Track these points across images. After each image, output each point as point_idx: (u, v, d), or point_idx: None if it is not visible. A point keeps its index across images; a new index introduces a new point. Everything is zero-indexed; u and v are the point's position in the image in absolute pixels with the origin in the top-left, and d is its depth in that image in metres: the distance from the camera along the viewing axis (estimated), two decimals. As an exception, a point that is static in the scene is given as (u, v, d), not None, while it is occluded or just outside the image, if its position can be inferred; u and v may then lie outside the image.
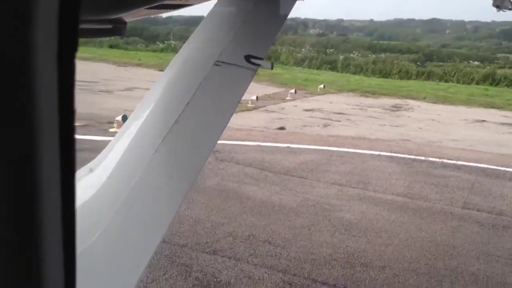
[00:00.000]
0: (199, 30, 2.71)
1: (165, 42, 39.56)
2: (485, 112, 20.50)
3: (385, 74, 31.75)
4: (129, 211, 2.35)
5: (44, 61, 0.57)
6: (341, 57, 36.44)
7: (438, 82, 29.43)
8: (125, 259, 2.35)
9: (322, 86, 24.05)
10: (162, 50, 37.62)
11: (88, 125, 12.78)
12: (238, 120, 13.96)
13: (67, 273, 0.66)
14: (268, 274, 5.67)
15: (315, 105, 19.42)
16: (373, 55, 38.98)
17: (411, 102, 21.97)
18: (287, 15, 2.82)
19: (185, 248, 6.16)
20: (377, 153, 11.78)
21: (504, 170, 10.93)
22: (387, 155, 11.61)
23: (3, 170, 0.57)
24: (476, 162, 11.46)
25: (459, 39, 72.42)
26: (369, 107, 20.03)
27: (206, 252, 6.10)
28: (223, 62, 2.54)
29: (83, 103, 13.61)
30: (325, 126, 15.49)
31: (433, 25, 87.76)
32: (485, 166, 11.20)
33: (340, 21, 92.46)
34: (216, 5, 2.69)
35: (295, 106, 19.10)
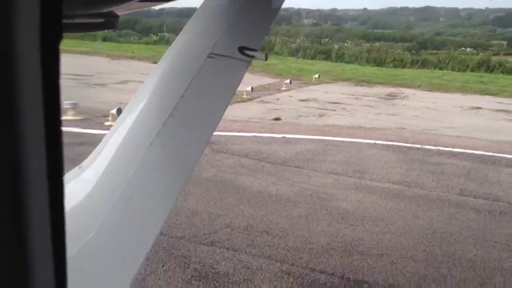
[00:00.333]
0: (192, 22, 2.69)
1: (158, 34, 39.47)
2: (480, 99, 20.55)
3: (379, 63, 31.77)
4: (125, 205, 2.34)
5: (27, 51, 0.55)
6: (336, 46, 36.46)
7: (432, 70, 29.49)
8: (122, 253, 2.34)
9: (317, 76, 24.04)
10: (155, 43, 37.54)
11: (83, 119, 12.76)
12: (233, 111, 13.95)
13: (58, 274, 0.64)
14: (266, 264, 5.69)
15: (310, 95, 19.41)
16: (367, 44, 38.99)
17: (406, 90, 21.99)
18: (280, 6, 2.80)
19: (183, 240, 6.17)
20: (372, 141, 11.80)
21: (500, 157, 10.98)
22: (383, 144, 11.64)
23: None
24: (472, 149, 11.51)
25: (453, 26, 72.45)
26: (364, 96, 20.03)
27: (204, 244, 6.12)
28: (216, 54, 2.52)
29: (77, 96, 13.57)
30: (320, 116, 15.49)
31: (427, 13, 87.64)
32: (481, 152, 11.25)
33: (333, 10, 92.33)
34: (208, -4, 2.67)
35: (290, 96, 19.09)
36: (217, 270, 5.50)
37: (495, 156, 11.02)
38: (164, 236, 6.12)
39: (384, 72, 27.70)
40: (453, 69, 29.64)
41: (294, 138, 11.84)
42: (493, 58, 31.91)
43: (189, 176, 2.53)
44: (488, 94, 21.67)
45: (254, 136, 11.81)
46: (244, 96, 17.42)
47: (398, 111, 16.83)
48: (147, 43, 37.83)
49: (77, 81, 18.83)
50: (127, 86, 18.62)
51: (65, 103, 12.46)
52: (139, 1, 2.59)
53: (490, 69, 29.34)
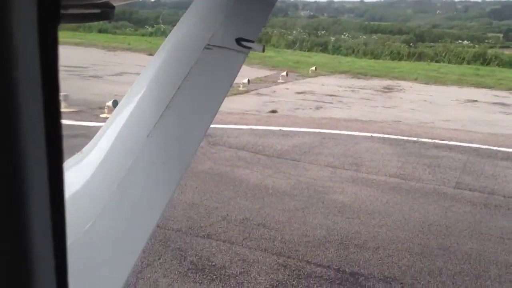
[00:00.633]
0: (188, 13, 2.66)
1: (154, 26, 39.25)
2: (476, 92, 20.57)
3: (376, 55, 31.77)
4: (122, 197, 2.33)
5: (25, 45, 0.55)
6: (332, 38, 36.39)
7: (429, 62, 29.49)
8: (119, 245, 2.33)
9: (313, 68, 24.00)
10: (151, 34, 37.39)
11: (79, 111, 12.69)
12: (230, 103, 13.91)
13: (58, 267, 0.64)
14: (262, 257, 5.69)
15: (307, 88, 19.38)
16: (364, 37, 38.95)
17: (403, 83, 21.99)
18: (277, -3, 2.78)
19: (179, 233, 6.17)
20: (369, 134, 11.80)
21: (496, 150, 11.00)
22: (379, 137, 11.64)
23: None
24: (468, 142, 11.53)
25: (450, 19, 72.49)
26: (361, 88, 20.02)
27: (201, 236, 6.11)
28: (214, 46, 2.50)
29: (73, 88, 13.50)
30: (317, 108, 15.48)
31: (423, 6, 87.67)
32: (477, 146, 11.27)
33: (330, 2, 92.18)
34: (205, -13, 2.64)
35: (287, 88, 19.06)
36: (213, 263, 5.50)
37: (491, 149, 11.04)
38: (160, 228, 6.11)
39: (381, 64, 27.68)
40: (449, 62, 29.66)
41: (290, 130, 11.83)
42: (489, 51, 31.95)
43: (187, 167, 2.51)
44: (484, 87, 21.70)
45: (250, 128, 11.79)
46: (241, 89, 17.38)
47: (395, 104, 16.83)
48: (143, 35, 37.67)
49: (71, 72, 18.74)
50: (123, 78, 18.54)
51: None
52: (135, -8, 2.56)
53: (486, 62, 29.36)
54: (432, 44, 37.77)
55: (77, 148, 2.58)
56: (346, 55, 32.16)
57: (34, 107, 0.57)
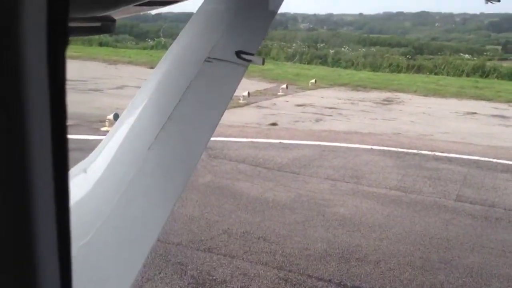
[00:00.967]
0: (189, 27, 2.67)
1: (155, 39, 39.44)
2: (475, 104, 20.60)
3: (375, 67, 31.87)
4: (123, 210, 2.32)
5: (34, 59, 0.56)
6: (332, 51, 36.54)
7: (428, 75, 29.57)
8: (120, 258, 2.32)
9: (313, 81, 24.06)
10: (152, 48, 37.54)
11: (79, 124, 12.69)
12: (230, 116, 13.92)
13: (63, 273, 0.64)
14: (263, 271, 5.65)
15: (307, 100, 19.42)
16: (363, 49, 39.10)
17: (402, 95, 22.04)
18: (277, 10, 2.79)
19: (180, 246, 6.13)
20: (369, 147, 11.80)
21: (496, 162, 10.99)
22: (379, 149, 11.63)
23: None
24: (468, 155, 11.52)
25: (448, 31, 72.88)
26: (361, 101, 20.06)
27: (201, 250, 6.08)
28: (214, 59, 2.51)
29: (73, 102, 13.50)
30: (317, 121, 15.49)
31: (422, 18, 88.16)
32: (477, 158, 11.26)
33: (329, 15, 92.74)
34: (205, 1, 2.66)
35: (287, 101, 19.09)
36: (214, 277, 5.46)
37: (491, 161, 11.03)
38: (161, 242, 6.08)
39: (380, 77, 27.76)
40: (448, 74, 29.75)
41: (290, 143, 11.83)
42: (488, 63, 32.08)
43: (188, 180, 2.51)
44: (483, 99, 21.73)
45: (251, 141, 11.79)
46: (241, 101, 17.41)
47: (394, 116, 16.85)
48: (144, 48, 37.83)
49: (72, 86, 18.78)
50: (124, 92, 18.58)
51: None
52: (136, 6, 2.57)
53: (485, 74, 29.46)
54: (431, 56, 37.93)
55: (75, 162, 2.58)
56: (345, 67, 32.26)
57: (42, 117, 0.59)
